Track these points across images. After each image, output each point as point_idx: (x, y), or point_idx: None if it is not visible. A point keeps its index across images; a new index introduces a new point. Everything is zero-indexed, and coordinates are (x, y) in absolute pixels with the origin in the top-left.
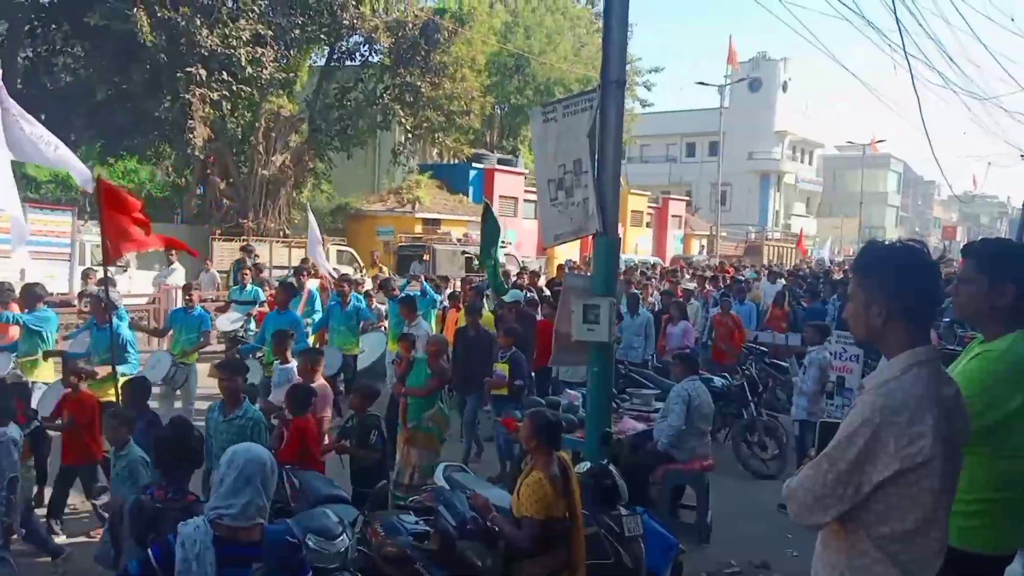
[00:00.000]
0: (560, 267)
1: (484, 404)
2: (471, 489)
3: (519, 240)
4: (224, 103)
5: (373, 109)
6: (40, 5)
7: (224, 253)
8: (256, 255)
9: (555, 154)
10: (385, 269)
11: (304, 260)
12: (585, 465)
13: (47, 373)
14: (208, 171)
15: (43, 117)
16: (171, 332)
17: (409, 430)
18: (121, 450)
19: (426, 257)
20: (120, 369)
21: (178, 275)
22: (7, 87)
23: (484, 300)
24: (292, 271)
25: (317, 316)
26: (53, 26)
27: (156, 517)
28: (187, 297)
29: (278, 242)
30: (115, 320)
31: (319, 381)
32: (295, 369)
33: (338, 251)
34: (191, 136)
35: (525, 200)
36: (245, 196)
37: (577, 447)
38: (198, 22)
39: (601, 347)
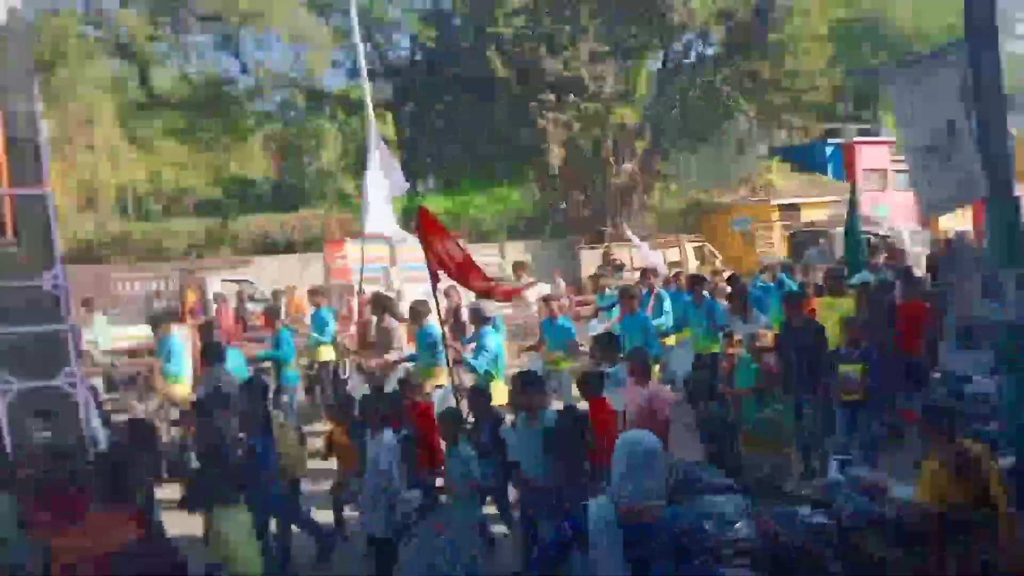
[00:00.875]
0: (945, 240)
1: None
2: (871, 480)
3: (891, 214)
4: (574, 123)
5: (714, 102)
6: (417, 64)
7: (590, 258)
8: (616, 259)
9: (922, 116)
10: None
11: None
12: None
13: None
14: (567, 187)
15: (429, 160)
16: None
17: (747, 433)
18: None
19: (822, 241)
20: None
21: (538, 288)
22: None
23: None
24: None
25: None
26: (429, 79)
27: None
28: (549, 308)
29: (635, 246)
30: (490, 330)
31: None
32: (621, 369)
33: (694, 248)
34: (549, 158)
35: (895, 171)
36: (602, 206)
37: (990, 437)
38: (542, 52)
39: (1013, 328)
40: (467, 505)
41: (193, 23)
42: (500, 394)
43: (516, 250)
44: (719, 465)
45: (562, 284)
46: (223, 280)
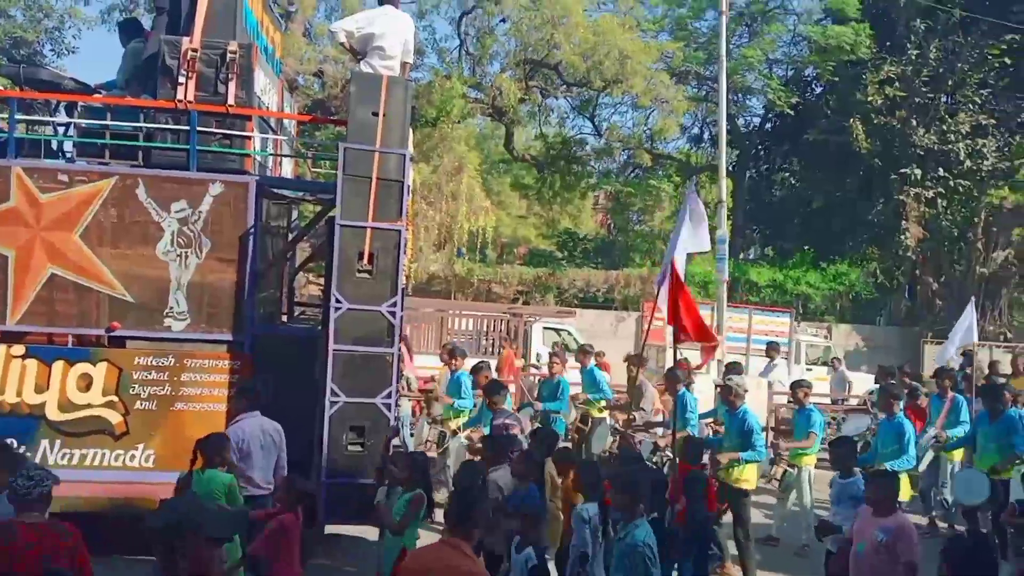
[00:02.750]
0: None
1: None
2: None
3: None
4: (939, 200)
5: None
6: (765, 131)
7: (933, 354)
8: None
9: None
10: None
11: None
12: None
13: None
14: (917, 271)
15: (763, 228)
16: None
17: None
18: None
19: None
20: (743, 456)
21: (780, 371)
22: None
23: None
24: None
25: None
26: (774, 147)
27: None
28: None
29: (999, 347)
30: (743, 406)
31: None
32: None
33: None
34: (903, 236)
35: None
36: (960, 296)
37: None
38: (914, 123)
39: None
40: None
41: (560, 88)
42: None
43: (846, 333)
44: None
45: (846, 374)
46: (544, 327)
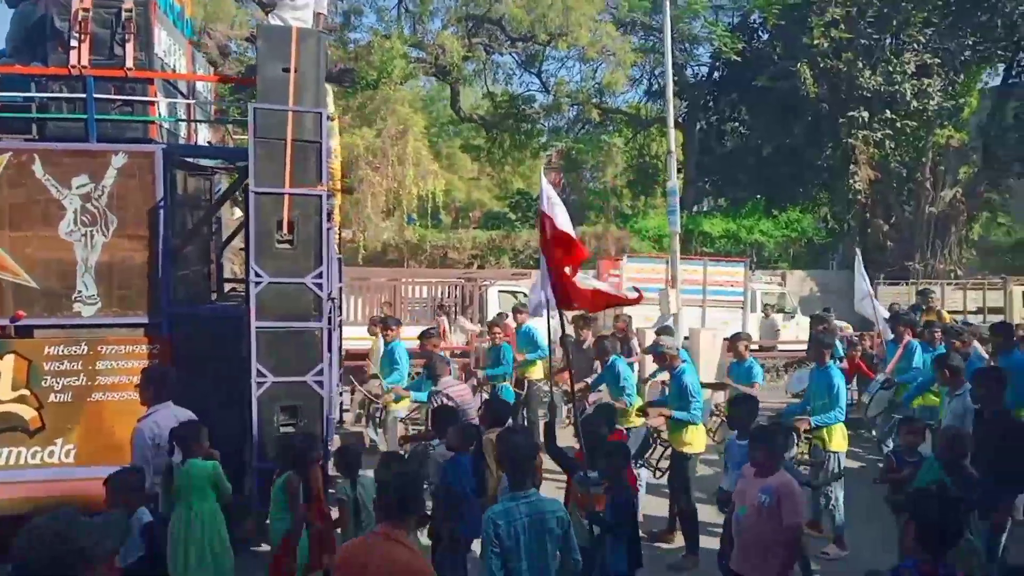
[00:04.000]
0: None
1: None
2: None
3: None
4: (887, 142)
5: None
6: (713, 81)
7: (889, 298)
8: (933, 298)
9: None
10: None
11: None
12: None
13: None
14: (867, 214)
15: (715, 178)
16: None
17: None
18: None
19: None
20: (675, 414)
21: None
22: (687, 157)
23: None
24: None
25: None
26: (723, 96)
27: None
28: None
29: (949, 284)
30: (681, 366)
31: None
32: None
33: (1023, 292)
34: (853, 180)
35: None
36: (910, 237)
37: None
38: (860, 65)
39: None
40: None
41: (504, 44)
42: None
43: (800, 279)
44: None
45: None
46: (500, 291)
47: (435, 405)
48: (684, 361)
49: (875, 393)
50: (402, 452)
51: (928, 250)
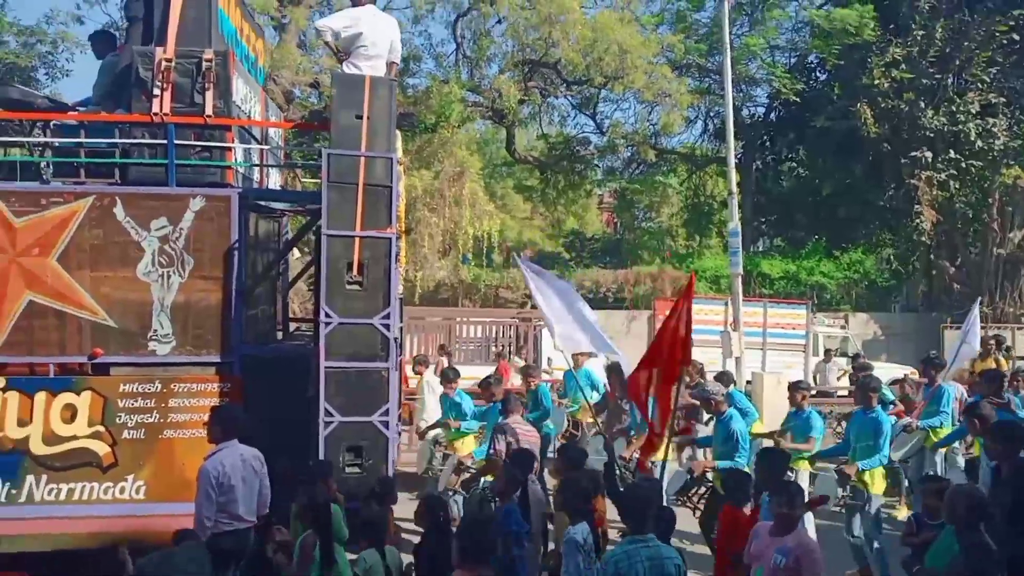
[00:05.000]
0: None
1: None
2: None
3: None
4: (952, 182)
5: None
6: (770, 121)
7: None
8: (991, 344)
9: None
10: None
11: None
12: None
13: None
14: (932, 256)
15: (773, 218)
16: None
17: None
18: None
19: None
20: (719, 465)
21: None
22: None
23: None
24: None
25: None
26: (780, 136)
27: None
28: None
29: (1020, 328)
30: (729, 411)
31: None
32: None
33: None
34: (917, 221)
35: None
36: (977, 279)
37: None
38: (922, 105)
39: None
40: None
41: (560, 87)
42: None
43: (862, 322)
44: None
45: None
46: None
47: (499, 441)
48: (731, 406)
49: (896, 435)
50: (451, 492)
51: (996, 293)
